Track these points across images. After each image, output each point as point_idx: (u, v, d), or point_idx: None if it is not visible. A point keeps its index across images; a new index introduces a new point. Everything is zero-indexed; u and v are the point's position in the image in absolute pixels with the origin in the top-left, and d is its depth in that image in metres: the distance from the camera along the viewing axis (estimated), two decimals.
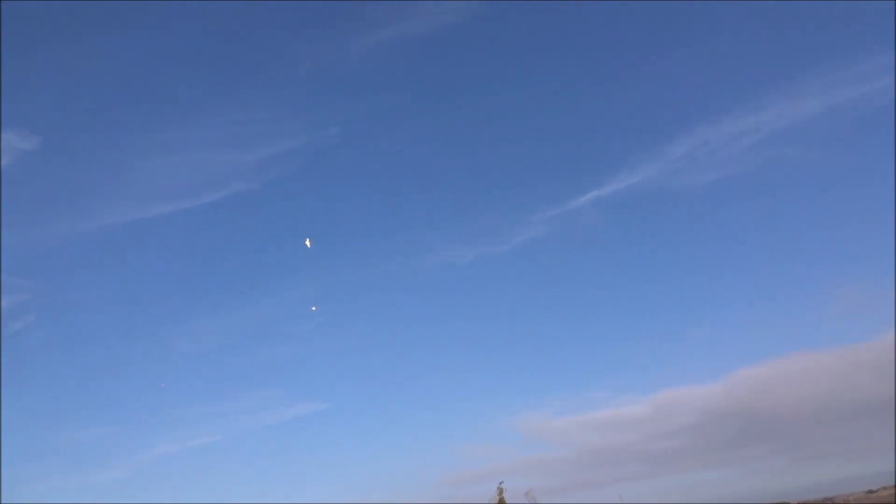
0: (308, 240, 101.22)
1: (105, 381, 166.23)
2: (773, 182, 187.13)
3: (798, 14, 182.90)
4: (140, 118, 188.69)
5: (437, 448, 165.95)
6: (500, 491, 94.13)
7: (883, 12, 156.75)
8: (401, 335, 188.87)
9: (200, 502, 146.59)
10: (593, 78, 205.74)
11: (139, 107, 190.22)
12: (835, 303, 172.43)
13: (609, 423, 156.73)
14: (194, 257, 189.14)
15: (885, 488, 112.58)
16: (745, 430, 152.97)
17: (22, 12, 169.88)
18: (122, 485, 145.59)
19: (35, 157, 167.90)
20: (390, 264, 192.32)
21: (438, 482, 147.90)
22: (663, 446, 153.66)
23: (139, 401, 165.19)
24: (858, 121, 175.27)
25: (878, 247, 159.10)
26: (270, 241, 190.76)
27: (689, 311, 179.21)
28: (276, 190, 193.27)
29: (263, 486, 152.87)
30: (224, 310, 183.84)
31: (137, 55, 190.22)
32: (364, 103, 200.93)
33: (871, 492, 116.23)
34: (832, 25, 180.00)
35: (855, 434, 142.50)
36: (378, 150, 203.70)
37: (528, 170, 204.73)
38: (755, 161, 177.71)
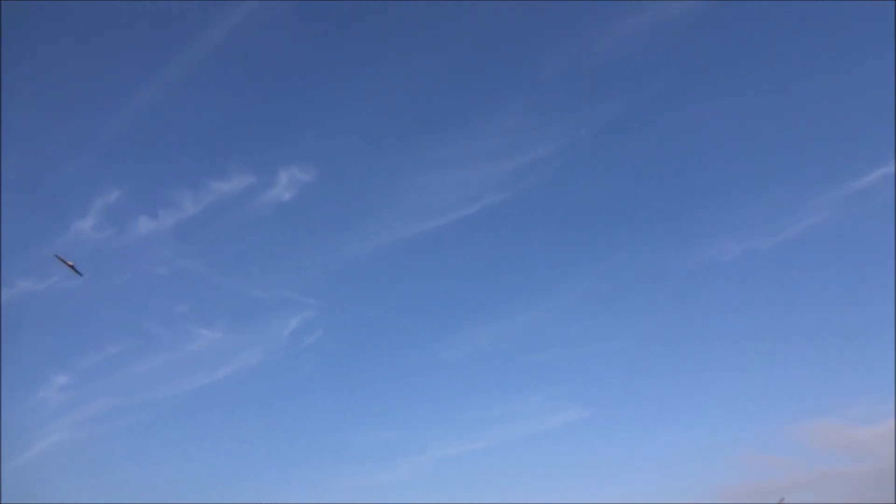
0: None
1: (384, 388, 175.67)
2: None
3: None
4: (402, 141, 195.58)
5: (708, 458, 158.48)
6: None
7: None
8: (667, 336, 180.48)
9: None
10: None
11: (401, 131, 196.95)
12: None
13: None
14: (456, 271, 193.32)
15: None
16: None
17: (297, 64, 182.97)
18: (405, 485, 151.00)
19: (314, 187, 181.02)
20: (652, 264, 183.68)
21: (707, 494, 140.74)
22: None
23: (414, 407, 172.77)
24: None
25: None
26: (530, 249, 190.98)
27: None
28: (529, 197, 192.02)
29: (524, 494, 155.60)
30: (490, 318, 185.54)
31: (394, 81, 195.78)
32: (613, 100, 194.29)
33: None
34: None
35: None
36: (631, 146, 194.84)
37: (799, 147, 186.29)
38: None
